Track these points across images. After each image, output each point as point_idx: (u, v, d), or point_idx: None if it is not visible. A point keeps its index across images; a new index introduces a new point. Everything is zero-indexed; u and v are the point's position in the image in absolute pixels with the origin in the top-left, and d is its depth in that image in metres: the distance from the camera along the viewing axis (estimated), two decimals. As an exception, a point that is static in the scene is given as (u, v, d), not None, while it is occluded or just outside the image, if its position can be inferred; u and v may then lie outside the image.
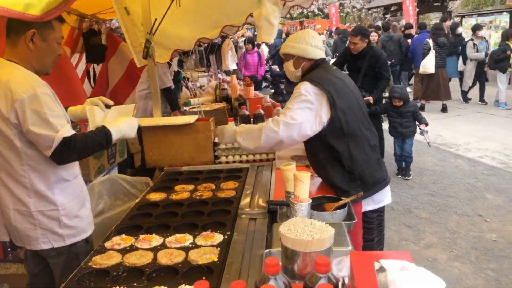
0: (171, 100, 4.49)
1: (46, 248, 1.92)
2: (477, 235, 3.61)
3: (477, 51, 8.62)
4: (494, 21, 11.72)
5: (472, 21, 12.99)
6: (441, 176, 5.07)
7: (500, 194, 4.42)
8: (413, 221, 3.91)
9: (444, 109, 8.42)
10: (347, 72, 5.03)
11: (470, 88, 9.11)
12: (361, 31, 4.93)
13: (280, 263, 1.40)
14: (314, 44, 2.33)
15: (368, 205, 2.26)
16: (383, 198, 2.31)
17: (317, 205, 2.08)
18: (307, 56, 2.33)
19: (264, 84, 10.45)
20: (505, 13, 11.65)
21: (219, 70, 7.95)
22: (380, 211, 2.36)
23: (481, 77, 8.88)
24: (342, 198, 2.10)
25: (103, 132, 1.94)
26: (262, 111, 3.46)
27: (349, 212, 2.02)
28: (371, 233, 2.32)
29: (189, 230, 1.90)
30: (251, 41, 9.32)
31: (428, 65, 7.96)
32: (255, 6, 3.32)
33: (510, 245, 3.41)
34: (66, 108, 2.03)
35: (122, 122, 2.07)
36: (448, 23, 9.87)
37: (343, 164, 2.18)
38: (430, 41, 8.06)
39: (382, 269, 0.93)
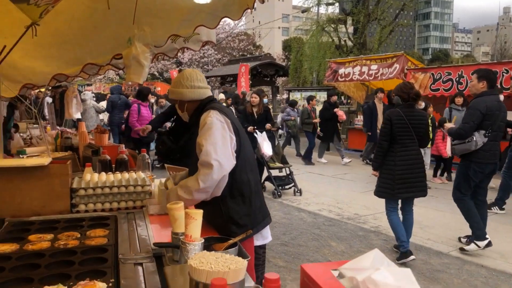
0: None
1: None
2: (330, 279, 3.87)
3: None
4: (316, 96, 13.65)
5: (297, 94, 14.88)
6: (289, 228, 5.38)
7: (342, 241, 4.89)
8: (273, 269, 4.00)
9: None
10: None
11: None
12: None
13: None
14: (190, 85, 2.28)
15: (258, 240, 2.23)
16: (268, 234, 2.32)
17: (206, 246, 1.96)
18: (185, 99, 2.29)
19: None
20: (322, 90, 13.73)
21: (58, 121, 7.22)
22: (264, 248, 2.35)
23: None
24: (231, 238, 2.03)
25: None
26: (126, 156, 3.21)
27: (240, 251, 1.96)
28: (257, 270, 2.28)
29: (60, 281, 1.55)
30: (143, 93, 8.20)
31: None
32: (123, 46, 3.19)
33: (358, 285, 3.74)
34: None
35: None
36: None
37: (244, 195, 2.13)
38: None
39: (341, 276, 0.90)
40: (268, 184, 7.40)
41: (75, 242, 2.03)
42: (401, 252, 4.22)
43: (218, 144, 2.00)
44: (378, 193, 4.44)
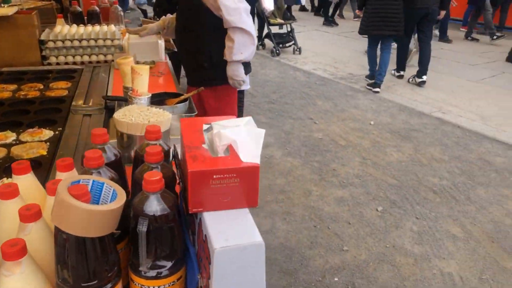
0: None
1: None
2: (307, 135, 4.06)
3: None
4: None
5: None
6: (280, 86, 5.45)
7: (328, 100, 4.98)
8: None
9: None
10: None
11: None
12: None
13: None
14: None
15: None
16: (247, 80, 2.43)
17: (158, 101, 2.04)
18: None
19: None
20: None
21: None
22: (242, 93, 2.47)
23: None
24: (183, 94, 2.10)
25: None
26: (97, 8, 3.13)
27: (190, 106, 2.04)
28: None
29: (11, 128, 1.68)
30: None
31: None
32: None
33: (332, 142, 3.94)
34: None
35: None
36: None
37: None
38: None
39: (209, 129, 0.96)
40: (267, 42, 7.24)
41: (35, 93, 2.12)
42: (371, 83, 5.33)
43: None
44: (359, 30, 5.17)
